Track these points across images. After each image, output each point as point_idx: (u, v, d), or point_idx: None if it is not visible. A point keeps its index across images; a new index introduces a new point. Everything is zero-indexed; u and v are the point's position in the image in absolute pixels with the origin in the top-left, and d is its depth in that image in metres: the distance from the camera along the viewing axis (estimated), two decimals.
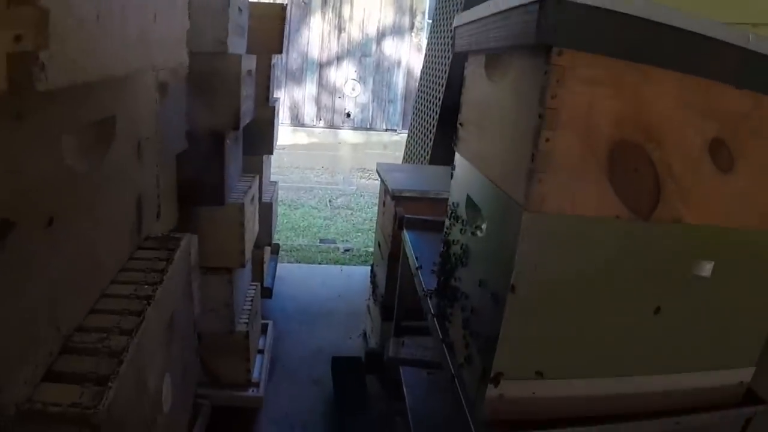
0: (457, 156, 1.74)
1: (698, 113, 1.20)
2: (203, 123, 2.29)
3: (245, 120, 2.57)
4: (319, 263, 5.50)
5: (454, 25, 1.71)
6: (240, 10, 2.44)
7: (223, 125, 2.38)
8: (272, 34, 3.40)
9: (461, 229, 1.61)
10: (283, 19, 3.44)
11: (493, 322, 1.26)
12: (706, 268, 1.30)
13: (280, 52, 3.50)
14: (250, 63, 2.62)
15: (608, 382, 1.35)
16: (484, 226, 1.44)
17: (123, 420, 0.94)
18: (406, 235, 2.39)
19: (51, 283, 0.95)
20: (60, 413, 0.85)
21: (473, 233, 1.51)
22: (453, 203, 1.73)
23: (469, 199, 1.56)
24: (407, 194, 3.01)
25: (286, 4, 8.39)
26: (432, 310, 1.80)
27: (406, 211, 2.59)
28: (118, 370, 0.93)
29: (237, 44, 2.42)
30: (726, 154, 1.24)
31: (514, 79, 1.30)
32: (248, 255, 2.76)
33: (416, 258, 2.16)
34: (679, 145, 1.20)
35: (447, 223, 1.78)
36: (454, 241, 1.68)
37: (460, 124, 1.71)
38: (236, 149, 2.70)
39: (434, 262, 2.03)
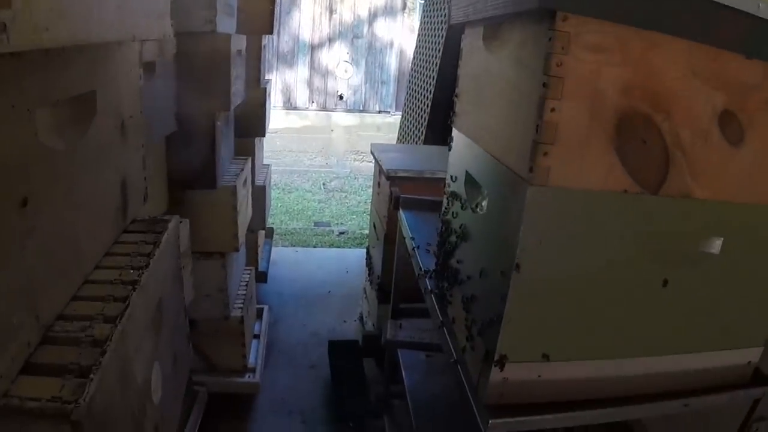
0: (454, 132, 1.68)
1: (707, 83, 1.14)
2: (193, 104, 2.24)
3: (236, 101, 2.52)
4: (314, 246, 5.46)
5: None
6: None
7: (214, 106, 2.33)
8: (262, 14, 3.33)
9: (461, 207, 1.56)
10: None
11: (497, 302, 1.21)
12: (715, 245, 1.26)
13: (271, 32, 3.44)
14: (240, 43, 2.57)
15: (616, 363, 1.31)
16: (484, 204, 1.39)
17: (107, 413, 0.89)
18: (402, 215, 2.34)
19: (28, 269, 0.89)
20: (38, 409, 0.79)
21: (473, 211, 1.46)
22: (451, 180, 1.68)
23: (468, 175, 1.51)
24: (402, 174, 2.96)
25: None
26: (431, 290, 1.75)
27: (401, 192, 2.54)
28: (101, 361, 0.87)
29: (226, 24, 2.36)
30: (736, 126, 1.19)
31: (515, 48, 1.24)
32: (242, 239, 2.71)
33: (413, 238, 2.11)
34: (688, 116, 1.15)
35: (445, 201, 1.72)
36: (452, 219, 1.63)
37: (456, 97, 1.65)
38: (227, 131, 2.65)
39: (429, 243, 1.99)
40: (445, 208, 1.71)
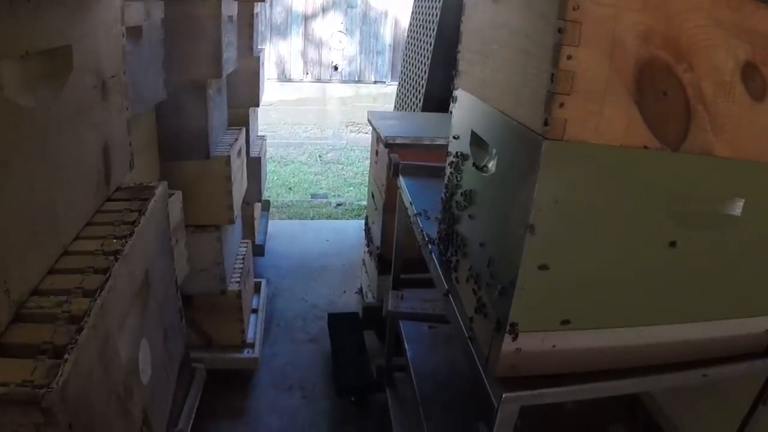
0: (457, 91, 1.59)
1: (730, 33, 1.06)
2: (183, 71, 2.17)
3: (228, 68, 2.44)
4: (312, 219, 5.39)
5: None
6: None
7: (204, 73, 2.26)
8: None
9: (466, 169, 1.48)
10: None
11: (509, 268, 1.14)
12: (736, 206, 1.18)
13: (263, 0, 3.36)
14: (230, 8, 2.49)
15: (632, 332, 1.24)
16: (492, 164, 1.31)
17: (86, 397, 0.80)
18: (402, 181, 2.26)
19: None
20: (6, 395, 0.71)
21: (480, 171, 1.38)
22: (455, 141, 1.59)
23: (474, 134, 1.42)
24: (401, 141, 2.90)
25: None
26: (435, 258, 1.68)
27: (400, 159, 2.46)
28: (77, 339, 0.78)
29: None
30: (759, 80, 1.11)
31: None
32: (237, 211, 2.65)
33: (414, 205, 2.03)
34: (710, 68, 1.07)
35: (448, 164, 1.64)
36: (457, 183, 1.55)
37: (459, 53, 1.56)
38: (220, 100, 2.57)
39: (429, 210, 1.94)
40: (450, 172, 1.62)
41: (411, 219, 2.03)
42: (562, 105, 0.99)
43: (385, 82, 11.61)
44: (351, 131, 9.36)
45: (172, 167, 2.29)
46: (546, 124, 1.01)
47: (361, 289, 3.76)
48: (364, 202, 5.67)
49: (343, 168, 7.45)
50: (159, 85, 1.94)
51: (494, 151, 1.31)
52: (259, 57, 3.47)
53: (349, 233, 4.86)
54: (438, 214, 1.75)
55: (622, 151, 1.06)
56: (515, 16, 1.19)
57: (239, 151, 2.77)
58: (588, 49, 0.98)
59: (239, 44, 2.89)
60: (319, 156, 7.95)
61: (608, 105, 1.02)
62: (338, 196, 6.24)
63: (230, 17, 2.49)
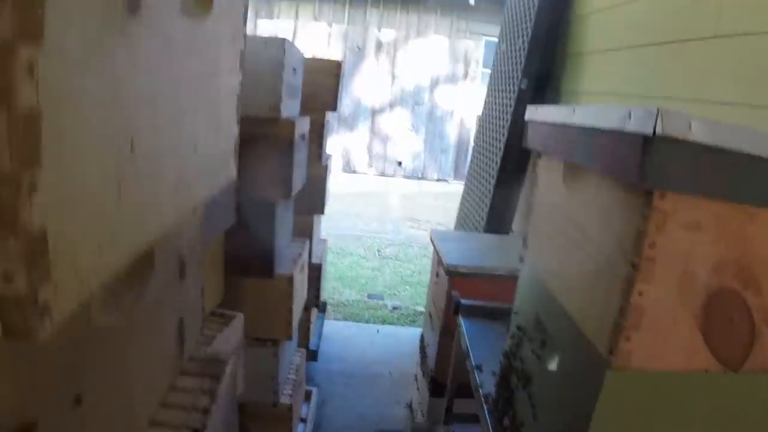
0: (523, 265, 1.60)
1: None
2: (251, 191, 2.21)
3: (297, 187, 2.48)
4: (366, 321, 5.39)
5: (526, 117, 1.60)
6: (294, 70, 2.34)
7: (274, 195, 2.29)
8: (327, 90, 3.34)
9: (525, 349, 1.48)
10: (339, 75, 3.38)
11: None
12: None
13: (335, 109, 3.44)
14: (303, 126, 2.51)
15: None
16: (554, 357, 1.31)
17: None
18: (462, 323, 2.26)
19: None
20: None
21: (539, 358, 1.38)
22: (517, 315, 1.60)
23: (538, 319, 1.43)
24: (462, 270, 2.91)
25: (342, 59, 8.39)
26: (488, 420, 1.66)
27: (460, 286, 2.48)
28: None
29: (290, 106, 2.32)
30: None
31: (599, 199, 1.17)
32: (295, 324, 2.67)
33: (473, 354, 2.03)
34: None
35: (510, 336, 1.63)
36: (516, 357, 1.55)
37: (529, 230, 1.58)
38: (287, 215, 2.61)
39: (480, 364, 1.94)
40: (511, 345, 1.62)
41: (468, 369, 2.02)
42: (629, 338, 0.99)
43: (447, 180, 11.71)
44: (410, 227, 9.39)
45: (235, 281, 2.32)
46: (611, 352, 1.01)
47: (410, 404, 3.74)
48: (420, 308, 5.66)
49: (400, 265, 7.45)
50: (230, 211, 1.97)
51: (555, 345, 1.31)
52: (326, 165, 3.51)
53: (404, 341, 4.86)
54: (495, 368, 1.75)
55: (683, 375, 1.05)
56: (588, 218, 1.21)
57: (302, 267, 2.80)
58: (660, 284, 0.99)
59: (309, 155, 2.92)
60: (378, 250, 7.98)
61: (674, 335, 1.02)
62: (394, 296, 6.22)
63: (302, 135, 2.52)
